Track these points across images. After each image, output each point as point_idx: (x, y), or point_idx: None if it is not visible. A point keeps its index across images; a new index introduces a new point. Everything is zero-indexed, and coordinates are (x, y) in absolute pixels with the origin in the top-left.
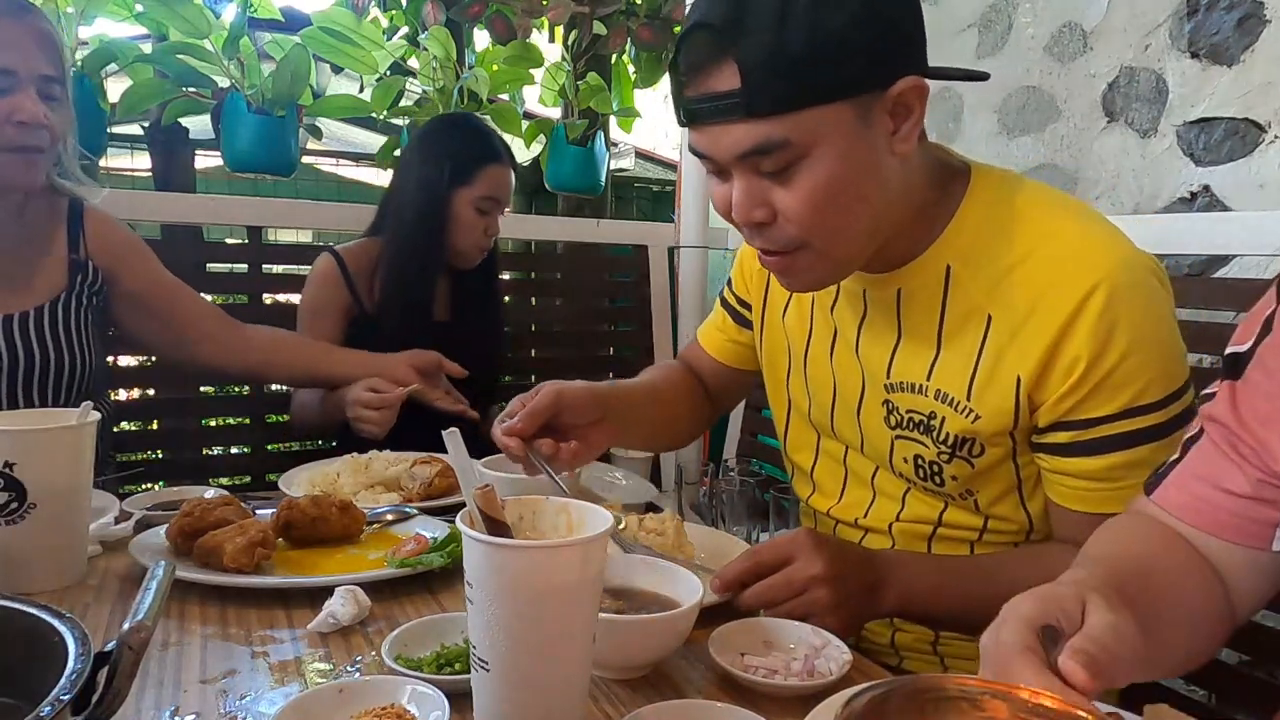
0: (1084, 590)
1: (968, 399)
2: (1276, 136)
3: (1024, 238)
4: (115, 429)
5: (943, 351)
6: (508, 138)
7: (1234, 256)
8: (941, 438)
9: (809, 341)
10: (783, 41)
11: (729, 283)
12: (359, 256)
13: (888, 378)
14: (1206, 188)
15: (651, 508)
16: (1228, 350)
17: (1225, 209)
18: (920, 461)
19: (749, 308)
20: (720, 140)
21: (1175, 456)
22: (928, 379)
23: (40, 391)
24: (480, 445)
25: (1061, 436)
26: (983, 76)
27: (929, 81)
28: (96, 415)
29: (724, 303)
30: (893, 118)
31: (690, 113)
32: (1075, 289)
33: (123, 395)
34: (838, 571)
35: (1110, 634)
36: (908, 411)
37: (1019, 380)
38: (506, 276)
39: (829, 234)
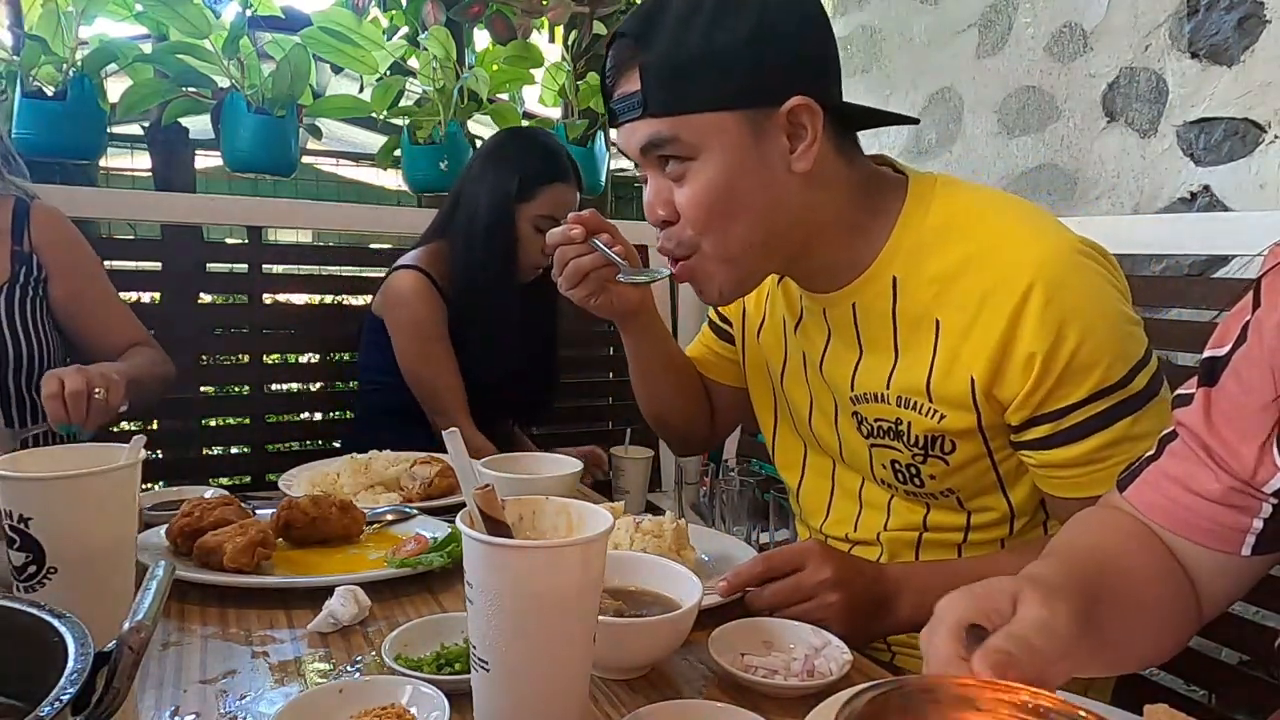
0: (1022, 584)
1: (929, 401)
2: (1276, 136)
3: (960, 243)
4: (114, 428)
5: (900, 359)
6: None
7: (1234, 256)
8: (912, 440)
9: (784, 364)
10: (677, 52)
11: (714, 314)
12: (436, 266)
13: (852, 390)
14: (1206, 188)
15: (652, 508)
16: (1205, 354)
17: (1225, 209)
18: (898, 466)
19: (730, 324)
20: (629, 138)
21: (1151, 453)
22: (887, 387)
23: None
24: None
25: (1040, 431)
26: (912, 121)
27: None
28: (143, 454)
29: (709, 321)
30: (789, 137)
31: (611, 113)
32: (1014, 288)
33: None
34: (847, 578)
35: (1036, 630)
36: (876, 420)
37: (972, 380)
38: None
39: (718, 238)
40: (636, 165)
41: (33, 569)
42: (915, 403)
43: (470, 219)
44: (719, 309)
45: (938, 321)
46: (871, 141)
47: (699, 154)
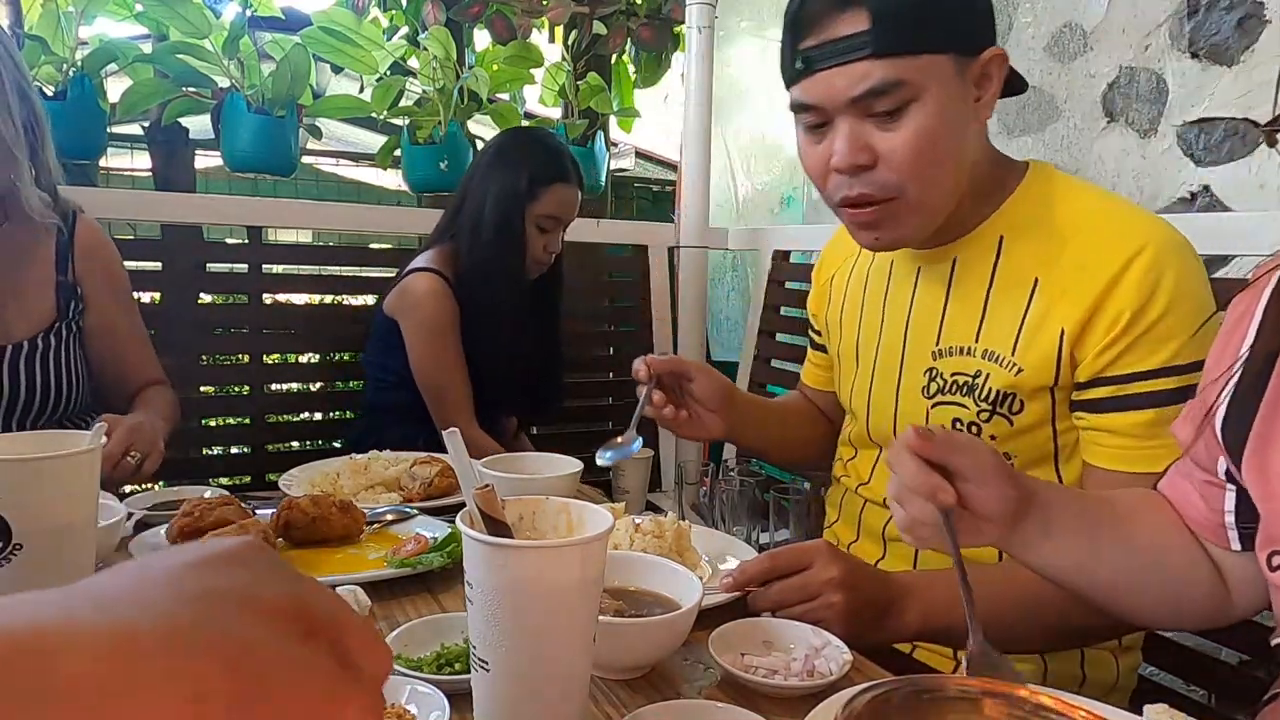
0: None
1: (1012, 354)
2: (1276, 136)
3: (1075, 214)
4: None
5: (989, 313)
6: None
7: (1234, 257)
8: (984, 395)
9: (860, 329)
10: None
11: (809, 323)
12: (450, 267)
13: (936, 344)
14: (1206, 188)
15: (652, 508)
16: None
17: (1225, 209)
18: (959, 425)
19: (820, 333)
20: (835, 83)
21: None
22: (975, 340)
23: (34, 424)
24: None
25: (1101, 391)
26: (1021, 88)
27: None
28: (104, 441)
29: (810, 340)
30: (976, 85)
31: (808, 59)
32: (1124, 249)
33: None
34: (853, 580)
35: (978, 467)
36: (952, 375)
37: (1063, 332)
38: None
39: (924, 182)
40: (805, 110)
41: None
42: (999, 356)
43: (478, 219)
44: (813, 323)
45: (1036, 280)
46: None
47: (920, 96)
